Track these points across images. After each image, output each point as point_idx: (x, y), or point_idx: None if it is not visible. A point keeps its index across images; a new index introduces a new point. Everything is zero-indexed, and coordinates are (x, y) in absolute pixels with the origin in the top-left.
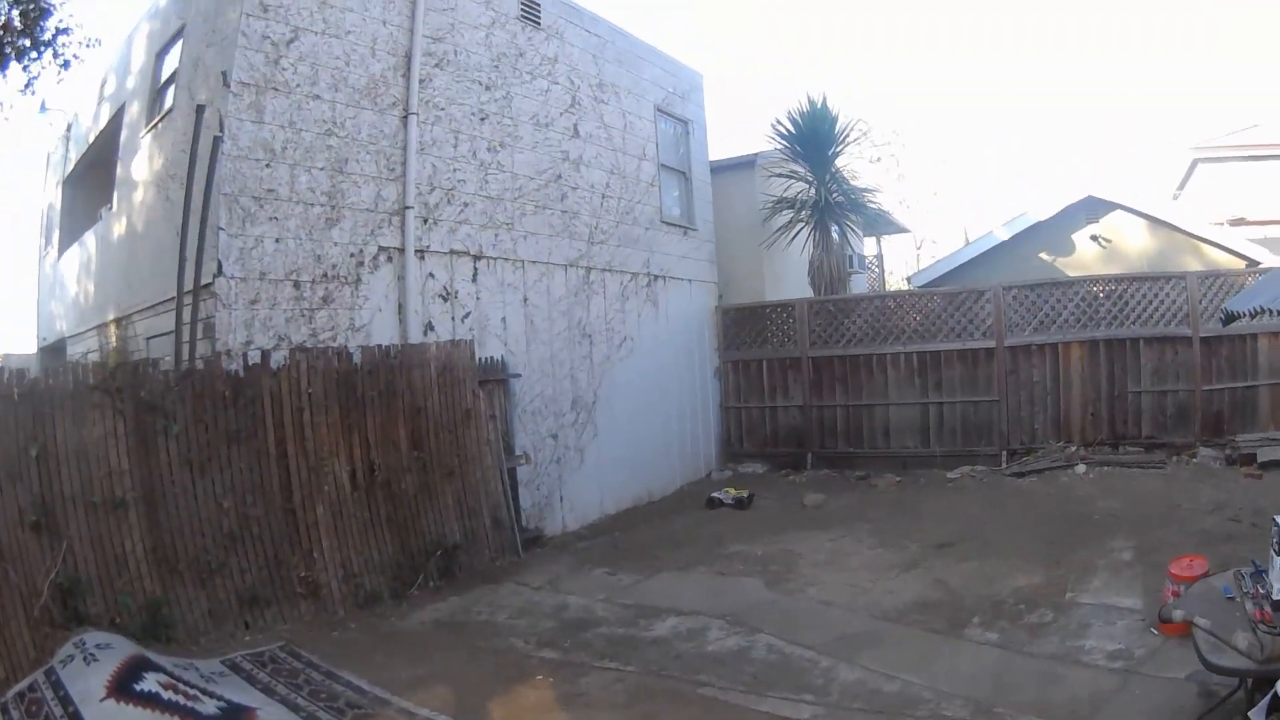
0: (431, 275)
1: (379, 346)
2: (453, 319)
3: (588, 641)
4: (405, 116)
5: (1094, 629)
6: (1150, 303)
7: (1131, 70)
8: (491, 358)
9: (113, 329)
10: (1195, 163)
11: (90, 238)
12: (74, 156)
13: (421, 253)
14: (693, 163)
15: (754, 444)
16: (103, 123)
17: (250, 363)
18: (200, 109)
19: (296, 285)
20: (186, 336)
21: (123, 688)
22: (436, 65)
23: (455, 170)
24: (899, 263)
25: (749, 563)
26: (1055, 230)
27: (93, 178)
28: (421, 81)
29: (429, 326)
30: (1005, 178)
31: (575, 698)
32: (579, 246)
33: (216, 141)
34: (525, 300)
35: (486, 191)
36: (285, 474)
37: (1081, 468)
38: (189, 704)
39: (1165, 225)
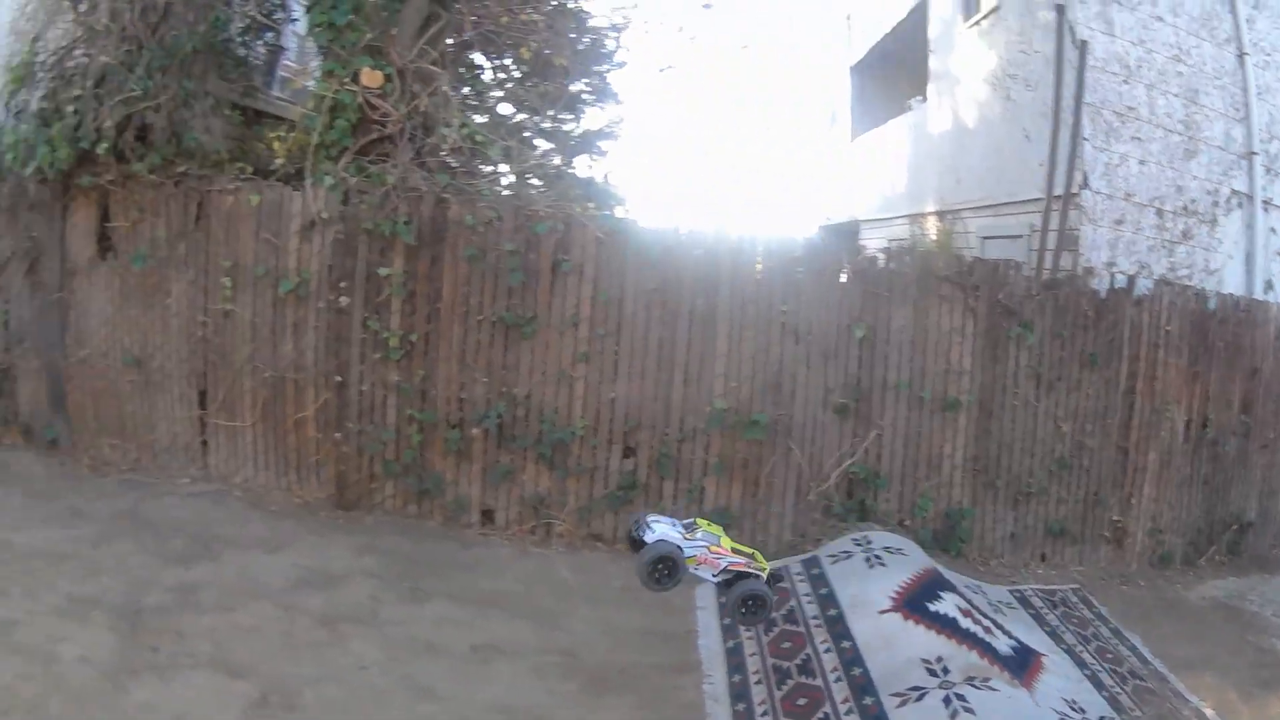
0: (1273, 230)
1: (1230, 296)
2: None
3: None
4: (1240, 56)
5: None
6: None
7: None
8: None
9: (932, 221)
10: None
11: (895, 126)
12: (860, 45)
13: (1266, 204)
14: None
15: None
16: (898, 16)
17: (1115, 285)
18: (1060, 9)
19: (1159, 213)
20: (1050, 244)
21: (913, 603)
22: (1254, 7)
23: None
24: None
25: None
26: None
27: (886, 67)
28: (1246, 21)
29: (1269, 285)
30: None
31: None
32: None
33: (1084, 46)
34: None
35: None
36: (1128, 410)
37: None
38: (985, 637)
39: None
